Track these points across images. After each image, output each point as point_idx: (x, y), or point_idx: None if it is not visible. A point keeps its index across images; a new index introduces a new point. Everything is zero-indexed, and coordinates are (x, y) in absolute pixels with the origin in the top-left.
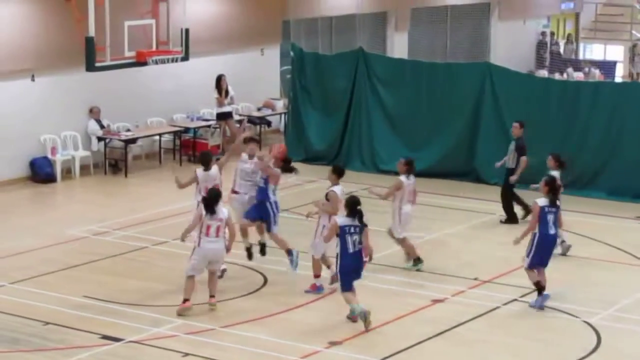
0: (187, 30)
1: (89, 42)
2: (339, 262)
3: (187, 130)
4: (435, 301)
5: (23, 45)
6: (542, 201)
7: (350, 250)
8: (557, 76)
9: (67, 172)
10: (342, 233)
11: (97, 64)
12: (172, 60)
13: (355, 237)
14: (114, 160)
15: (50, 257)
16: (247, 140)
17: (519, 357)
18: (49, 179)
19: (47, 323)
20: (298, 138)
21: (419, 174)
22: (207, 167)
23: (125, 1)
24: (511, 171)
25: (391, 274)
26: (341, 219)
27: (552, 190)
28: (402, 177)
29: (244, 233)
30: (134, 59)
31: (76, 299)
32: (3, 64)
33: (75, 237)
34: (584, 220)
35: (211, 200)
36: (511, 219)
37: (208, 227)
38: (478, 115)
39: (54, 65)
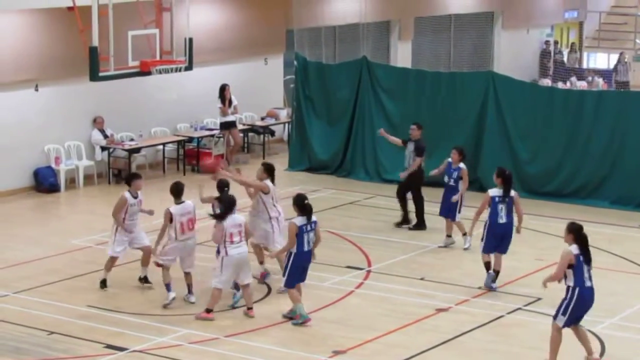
0: (190, 40)
1: (93, 52)
2: (292, 259)
3: (190, 139)
4: (440, 310)
5: (26, 55)
6: (493, 191)
7: (305, 248)
8: (560, 85)
9: (71, 182)
10: (300, 233)
11: (101, 74)
12: (176, 70)
13: (311, 234)
14: (118, 170)
15: (54, 267)
16: (133, 177)
17: None
18: (53, 188)
19: (52, 333)
20: (302, 147)
21: (422, 183)
22: (179, 200)
23: (129, 11)
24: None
25: (395, 283)
26: (297, 219)
27: (505, 182)
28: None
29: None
30: (137, 69)
31: (80, 308)
32: (6, 75)
33: (79, 246)
34: (587, 229)
35: (229, 209)
36: (405, 220)
37: (231, 235)
38: (482, 124)
39: (57, 75)
